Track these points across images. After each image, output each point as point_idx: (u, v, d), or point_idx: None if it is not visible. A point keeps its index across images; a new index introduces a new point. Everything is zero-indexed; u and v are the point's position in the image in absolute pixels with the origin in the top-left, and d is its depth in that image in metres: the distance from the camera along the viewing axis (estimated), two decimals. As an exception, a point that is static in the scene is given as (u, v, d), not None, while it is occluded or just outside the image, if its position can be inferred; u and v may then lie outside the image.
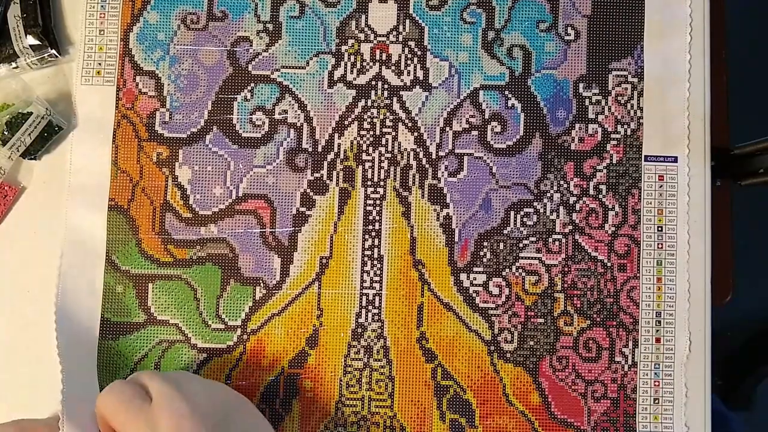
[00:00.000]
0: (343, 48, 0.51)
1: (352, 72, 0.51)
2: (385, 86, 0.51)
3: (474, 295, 0.49)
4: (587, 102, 0.51)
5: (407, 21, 0.51)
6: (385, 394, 0.49)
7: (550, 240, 0.50)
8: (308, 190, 0.50)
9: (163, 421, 0.39)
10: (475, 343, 0.49)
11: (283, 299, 0.50)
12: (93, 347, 0.49)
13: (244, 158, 0.50)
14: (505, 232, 0.50)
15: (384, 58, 0.51)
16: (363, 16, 0.51)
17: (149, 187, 0.50)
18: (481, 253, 0.50)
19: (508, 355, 0.49)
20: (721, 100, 0.59)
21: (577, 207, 0.50)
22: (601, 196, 0.50)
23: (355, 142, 0.50)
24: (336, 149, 0.50)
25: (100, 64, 0.51)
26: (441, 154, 0.50)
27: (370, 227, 0.50)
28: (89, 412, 0.48)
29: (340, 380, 0.49)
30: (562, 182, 0.50)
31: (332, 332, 0.49)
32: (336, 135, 0.50)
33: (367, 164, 0.50)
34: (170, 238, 0.50)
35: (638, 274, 0.49)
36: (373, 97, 0.51)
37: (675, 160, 0.50)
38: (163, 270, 0.50)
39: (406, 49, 0.51)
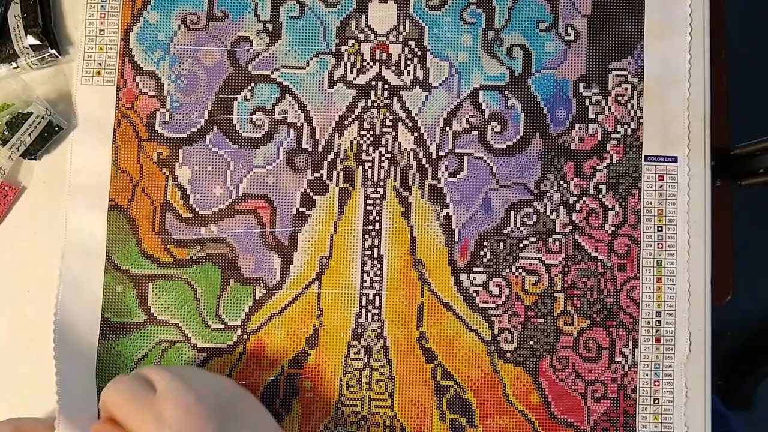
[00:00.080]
0: (343, 48, 0.51)
1: (352, 72, 0.51)
2: (385, 86, 0.51)
3: (474, 295, 0.49)
4: (587, 102, 0.51)
5: (407, 21, 0.51)
6: (385, 394, 0.49)
7: (550, 240, 0.50)
8: (308, 190, 0.50)
9: (168, 412, 0.39)
10: (475, 343, 0.49)
11: (283, 299, 0.50)
12: (93, 347, 0.49)
13: (244, 158, 0.50)
14: (505, 232, 0.50)
15: (384, 58, 0.51)
16: (363, 16, 0.51)
17: (149, 187, 0.50)
18: (481, 253, 0.50)
19: (508, 355, 0.49)
20: (721, 100, 0.59)
21: (577, 207, 0.50)
22: (601, 196, 0.50)
23: (355, 142, 0.50)
24: (336, 149, 0.50)
25: (100, 64, 0.51)
26: (441, 154, 0.50)
27: (370, 227, 0.50)
28: (86, 413, 0.48)
29: (340, 380, 0.49)
30: (562, 182, 0.50)
31: (332, 332, 0.49)
32: (336, 135, 0.50)
33: (367, 164, 0.50)
34: (170, 238, 0.50)
35: (638, 274, 0.49)
36: (373, 97, 0.51)
37: (675, 160, 0.50)
38: (163, 270, 0.50)
39: (406, 49, 0.51)
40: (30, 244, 0.50)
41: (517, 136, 0.51)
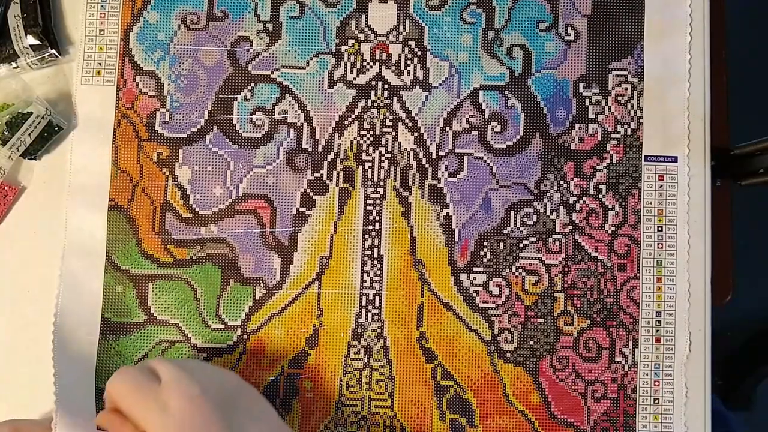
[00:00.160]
0: (343, 48, 0.51)
1: (352, 72, 0.51)
2: (385, 86, 0.51)
3: (474, 295, 0.49)
4: (587, 102, 0.51)
5: (407, 21, 0.51)
6: (385, 394, 0.49)
7: (550, 240, 0.50)
8: (308, 190, 0.50)
9: (173, 402, 0.39)
10: (475, 343, 0.49)
11: (283, 299, 0.50)
12: (93, 347, 0.49)
13: (244, 158, 0.50)
14: (505, 232, 0.50)
15: (384, 58, 0.51)
16: (363, 16, 0.51)
17: (149, 187, 0.50)
18: (481, 253, 0.50)
19: (508, 355, 0.49)
20: (721, 100, 0.59)
21: (577, 207, 0.50)
22: (601, 196, 0.50)
23: (355, 142, 0.50)
24: (336, 149, 0.50)
25: (100, 64, 0.51)
26: (441, 154, 0.50)
27: (370, 227, 0.50)
28: (84, 413, 0.48)
29: (340, 380, 0.49)
30: (562, 182, 0.50)
31: (332, 332, 0.49)
32: (336, 135, 0.50)
33: (367, 164, 0.50)
34: (170, 238, 0.50)
35: (638, 274, 0.49)
36: (373, 97, 0.51)
37: (675, 160, 0.50)
38: (163, 270, 0.50)
39: (406, 49, 0.51)
40: (30, 244, 0.50)
41: (517, 136, 0.51)
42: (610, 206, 0.50)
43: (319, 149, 0.50)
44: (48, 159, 0.51)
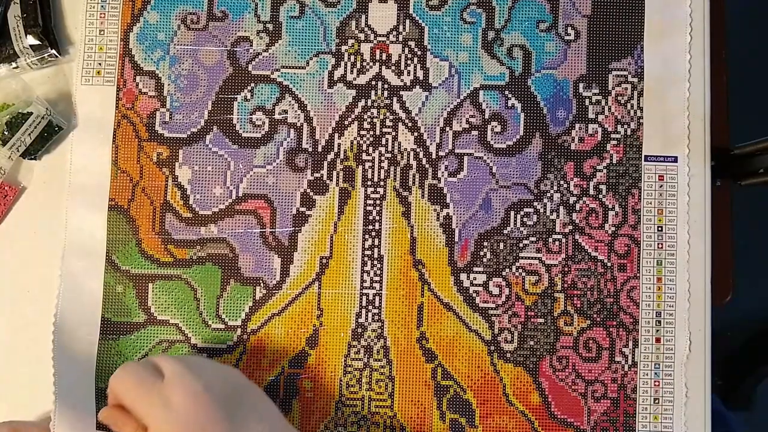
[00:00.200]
0: (343, 48, 0.51)
1: (352, 72, 0.51)
2: (385, 86, 0.51)
3: (474, 295, 0.49)
4: (587, 102, 0.51)
5: (407, 21, 0.51)
6: (385, 394, 0.49)
7: (550, 240, 0.50)
8: (308, 190, 0.50)
9: (176, 398, 0.39)
10: (475, 343, 0.49)
11: (283, 299, 0.50)
12: (93, 347, 0.49)
13: (244, 158, 0.50)
14: (505, 232, 0.50)
15: (384, 58, 0.51)
16: (363, 16, 0.51)
17: (149, 187, 0.50)
18: (481, 253, 0.50)
19: (508, 355, 0.49)
20: (721, 100, 0.59)
21: (577, 207, 0.50)
22: (601, 196, 0.50)
23: (355, 142, 0.50)
24: (336, 149, 0.50)
25: (100, 64, 0.51)
26: (441, 154, 0.50)
27: (370, 227, 0.50)
28: (84, 413, 0.48)
29: (340, 380, 0.49)
30: (562, 182, 0.50)
31: (332, 332, 0.49)
32: (336, 135, 0.50)
33: (367, 164, 0.50)
34: (170, 238, 0.50)
35: (638, 274, 0.49)
36: (373, 97, 0.51)
37: (675, 160, 0.50)
38: (163, 270, 0.50)
39: (406, 49, 0.51)
40: (30, 244, 0.50)
41: (517, 136, 0.51)
42: (610, 206, 0.50)
43: (319, 149, 0.50)
44: (48, 159, 0.51)
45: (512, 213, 0.50)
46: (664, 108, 0.50)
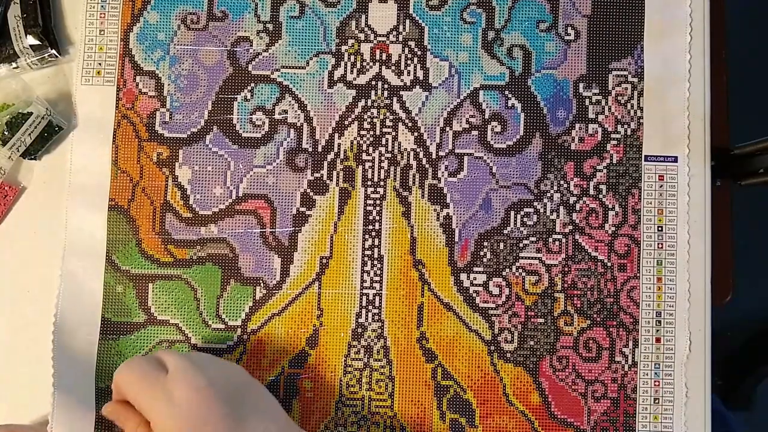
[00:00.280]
0: (343, 48, 0.51)
1: (352, 72, 0.51)
2: (385, 86, 0.51)
3: (474, 295, 0.49)
4: (587, 102, 0.51)
5: (407, 21, 0.51)
6: (385, 394, 0.49)
7: (550, 240, 0.50)
8: (308, 190, 0.50)
9: (179, 392, 0.40)
10: (475, 343, 0.49)
11: (283, 299, 0.50)
12: (93, 347, 0.49)
13: (244, 158, 0.50)
14: (505, 232, 0.50)
15: (384, 58, 0.51)
16: (363, 16, 0.51)
17: (149, 187, 0.50)
18: (481, 253, 0.50)
19: (508, 355, 0.49)
20: (721, 100, 0.60)
21: (577, 207, 0.50)
22: (601, 196, 0.50)
23: (355, 142, 0.50)
24: (336, 149, 0.50)
25: (100, 64, 0.51)
26: (441, 154, 0.50)
27: (370, 227, 0.50)
28: (84, 413, 0.48)
29: (340, 380, 0.49)
30: (562, 182, 0.50)
31: (332, 332, 0.49)
32: (336, 135, 0.50)
33: (367, 164, 0.50)
34: (170, 238, 0.50)
35: (638, 274, 0.49)
36: (373, 97, 0.51)
37: (675, 160, 0.50)
38: (163, 270, 0.50)
39: (406, 49, 0.51)
40: (30, 244, 0.50)
41: (517, 136, 0.51)
42: (610, 206, 0.50)
43: (319, 149, 0.50)
44: (48, 159, 0.51)
45: (512, 213, 0.50)
46: (664, 108, 0.50)
